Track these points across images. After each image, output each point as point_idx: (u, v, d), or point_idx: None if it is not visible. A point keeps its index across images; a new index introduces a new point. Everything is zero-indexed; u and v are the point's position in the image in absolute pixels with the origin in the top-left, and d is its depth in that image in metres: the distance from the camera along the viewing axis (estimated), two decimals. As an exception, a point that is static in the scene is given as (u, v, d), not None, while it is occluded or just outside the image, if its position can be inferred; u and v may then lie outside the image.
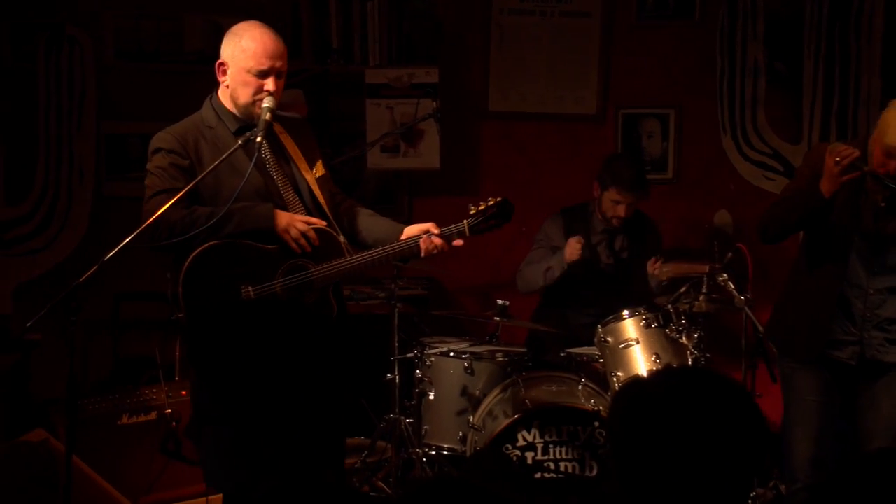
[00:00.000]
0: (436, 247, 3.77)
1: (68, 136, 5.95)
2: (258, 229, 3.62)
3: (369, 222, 3.94)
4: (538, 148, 6.23)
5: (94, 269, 3.51)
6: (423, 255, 3.77)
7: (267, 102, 3.66)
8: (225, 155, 3.62)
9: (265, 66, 3.67)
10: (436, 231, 3.78)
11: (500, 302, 4.89)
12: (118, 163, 6.02)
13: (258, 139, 3.62)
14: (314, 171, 3.83)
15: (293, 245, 3.64)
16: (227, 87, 3.75)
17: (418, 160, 6.06)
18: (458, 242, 3.81)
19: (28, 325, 3.52)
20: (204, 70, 5.84)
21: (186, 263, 3.56)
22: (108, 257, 3.48)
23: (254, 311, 3.50)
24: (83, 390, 5.41)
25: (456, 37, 6.16)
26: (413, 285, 5.81)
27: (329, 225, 3.74)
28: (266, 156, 3.74)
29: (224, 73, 3.75)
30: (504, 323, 4.98)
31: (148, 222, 3.52)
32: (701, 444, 1.98)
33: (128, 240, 3.47)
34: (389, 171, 6.13)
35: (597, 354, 4.84)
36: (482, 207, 3.82)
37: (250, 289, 3.61)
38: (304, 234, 3.64)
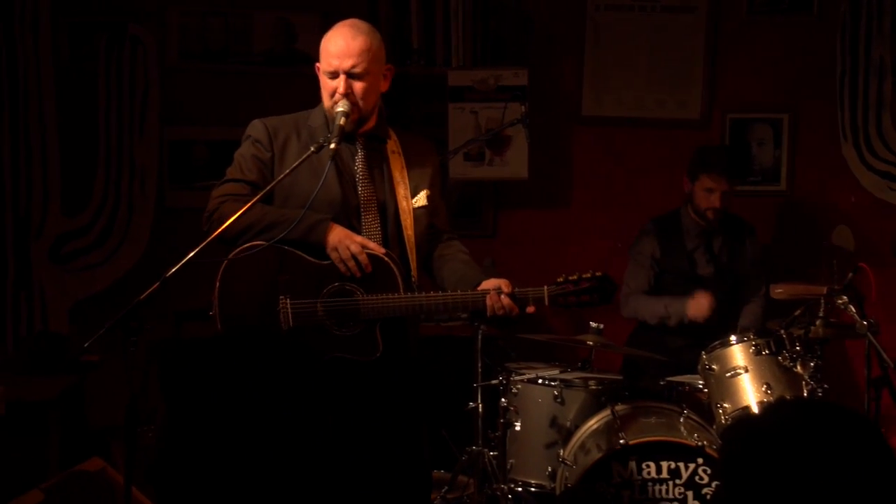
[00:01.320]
0: (503, 307, 3.70)
1: (129, 142, 6.05)
2: (307, 241, 3.66)
3: (454, 268, 3.92)
4: (636, 156, 6.23)
5: (156, 285, 3.52)
6: (488, 313, 3.71)
7: (342, 106, 3.70)
8: (300, 160, 3.66)
9: (332, 66, 3.72)
10: (507, 289, 3.71)
11: (593, 324, 4.87)
12: (182, 171, 6.15)
13: (332, 146, 3.65)
14: (414, 201, 3.85)
15: (340, 266, 3.65)
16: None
17: (505, 169, 6.10)
18: (531, 309, 3.75)
19: (85, 345, 3.55)
20: (274, 72, 6.05)
21: (228, 259, 3.66)
22: (171, 272, 3.50)
23: (298, 340, 3.60)
24: (143, 417, 5.45)
25: (547, 35, 6.20)
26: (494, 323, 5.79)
27: (399, 257, 3.75)
28: (358, 168, 3.79)
29: (318, 75, 3.84)
30: (598, 348, 4.93)
31: (212, 236, 3.60)
32: (822, 486, 1.92)
33: (192, 254, 3.52)
34: (473, 182, 6.18)
35: (700, 383, 4.78)
36: (574, 278, 3.77)
37: (288, 301, 3.64)
38: (354, 255, 3.64)
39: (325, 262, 3.67)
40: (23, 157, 6.03)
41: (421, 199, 3.87)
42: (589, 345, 4.90)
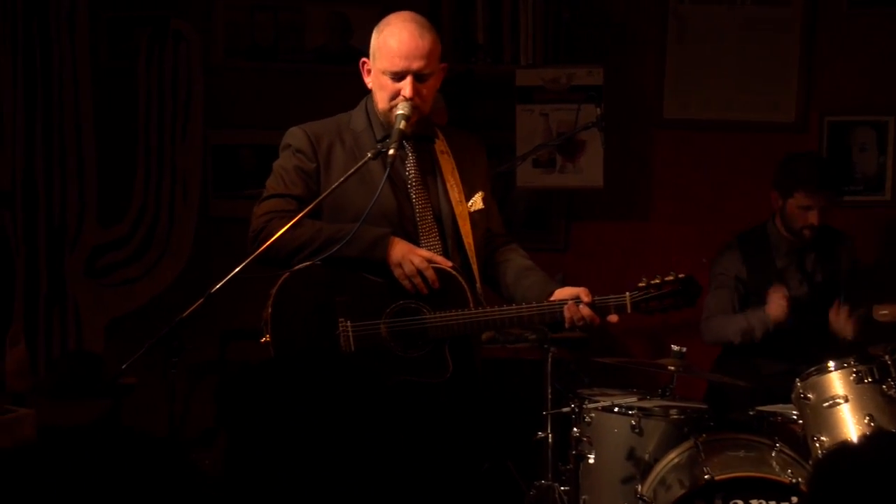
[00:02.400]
0: (583, 318, 3.73)
1: (171, 146, 6.10)
2: (369, 258, 3.68)
3: (519, 275, 3.94)
4: (723, 163, 6.21)
5: (199, 301, 3.56)
6: (566, 325, 3.75)
7: (402, 109, 3.70)
8: (354, 168, 3.69)
9: (398, 66, 3.71)
10: (587, 299, 3.74)
11: (675, 347, 4.82)
12: (228, 178, 6.20)
13: (390, 151, 3.66)
14: (470, 204, 3.87)
15: (405, 282, 3.67)
16: (371, 88, 3.83)
17: (578, 177, 6.08)
18: (613, 318, 3.78)
19: (123, 367, 3.59)
20: (328, 70, 6.05)
21: (280, 280, 3.66)
22: (216, 288, 3.53)
23: (359, 363, 3.60)
24: (185, 444, 5.50)
25: (625, 30, 6.18)
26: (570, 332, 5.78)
27: (461, 268, 3.76)
28: (409, 174, 3.81)
29: (368, 72, 3.83)
30: (680, 373, 4.90)
31: (258, 252, 3.63)
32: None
33: (239, 268, 3.53)
34: (542, 191, 6.16)
35: (794, 414, 4.73)
36: (656, 282, 3.80)
37: (349, 324, 3.67)
38: (420, 271, 3.65)
39: (387, 280, 3.70)
40: (57, 163, 6.11)
41: (477, 201, 3.89)
42: (670, 370, 4.86)
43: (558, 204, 6.25)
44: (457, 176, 3.85)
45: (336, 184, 3.66)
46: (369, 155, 3.67)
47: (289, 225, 3.60)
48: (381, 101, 3.77)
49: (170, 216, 6.13)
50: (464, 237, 3.81)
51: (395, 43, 3.72)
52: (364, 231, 3.65)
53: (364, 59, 3.83)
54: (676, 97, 6.18)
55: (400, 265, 3.66)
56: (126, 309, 6.12)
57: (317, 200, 3.68)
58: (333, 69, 6.09)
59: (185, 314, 3.55)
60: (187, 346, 3.68)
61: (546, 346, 5.04)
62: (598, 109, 5.48)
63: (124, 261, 6.15)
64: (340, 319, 3.67)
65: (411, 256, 3.66)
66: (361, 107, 3.88)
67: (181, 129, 6.12)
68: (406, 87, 3.71)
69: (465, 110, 6.07)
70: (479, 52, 6.11)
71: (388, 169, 3.67)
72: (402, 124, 3.69)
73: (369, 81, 3.82)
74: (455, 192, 3.82)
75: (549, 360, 5.01)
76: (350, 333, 3.66)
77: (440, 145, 3.86)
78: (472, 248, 3.82)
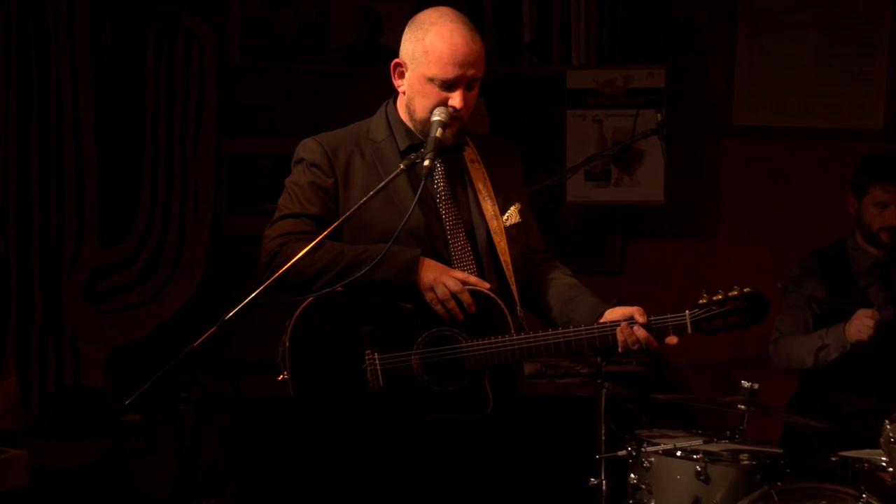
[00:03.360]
0: (637, 341, 3.71)
1: (181, 157, 6.11)
2: (395, 281, 3.66)
3: (564, 295, 3.92)
4: (800, 175, 6.19)
5: (211, 330, 3.50)
6: (620, 349, 3.73)
7: (439, 115, 3.68)
8: (383, 183, 3.64)
9: (451, 74, 3.68)
10: (641, 319, 3.73)
11: (745, 384, 4.78)
12: (244, 191, 6.18)
13: (425, 163, 3.61)
14: (505, 218, 3.85)
15: (438, 308, 3.65)
16: (405, 93, 3.80)
17: (636, 191, 6.05)
18: (671, 340, 3.76)
19: (125, 403, 3.54)
20: (356, 72, 6.00)
21: (299, 311, 3.65)
22: (229, 315, 3.48)
23: (382, 401, 3.58)
24: (195, 488, 5.48)
25: (690, 26, 6.18)
26: (626, 359, 5.75)
27: (500, 289, 3.75)
28: (438, 187, 3.79)
29: (401, 75, 3.79)
30: (752, 413, 4.85)
31: (278, 273, 3.59)
32: None
33: (256, 293, 3.50)
34: (596, 206, 6.13)
35: (884, 460, 4.63)
36: (719, 298, 3.77)
37: (376, 356, 3.64)
38: (455, 295, 3.64)
39: (418, 306, 3.68)
40: (54, 175, 6.14)
41: (512, 214, 3.87)
42: (740, 409, 4.81)
43: (613, 221, 6.23)
44: (489, 187, 3.83)
45: (361, 201, 3.62)
46: (402, 166, 3.64)
47: (309, 247, 3.57)
48: (420, 109, 3.74)
49: (179, 234, 6.15)
50: (500, 255, 3.78)
51: (446, 47, 3.68)
52: (394, 252, 3.63)
53: (397, 60, 3.78)
54: (747, 101, 6.17)
55: (432, 289, 3.64)
56: (129, 338, 6.13)
57: (340, 219, 3.65)
58: (362, 70, 6.09)
59: (195, 344, 3.48)
60: (198, 379, 3.60)
61: (599, 380, 4.95)
62: (659, 115, 5.43)
63: (128, 284, 6.18)
64: (367, 351, 3.65)
65: (444, 279, 3.64)
66: (381, 113, 3.86)
67: (192, 138, 6.16)
68: (457, 97, 3.69)
69: (509, 116, 6.07)
70: (525, 52, 6.08)
71: (423, 182, 3.62)
72: (438, 132, 3.66)
73: (402, 85, 3.79)
74: (489, 206, 3.81)
75: (603, 396, 4.87)
76: (378, 367, 3.63)
77: (469, 153, 3.84)
78: (510, 266, 3.79)
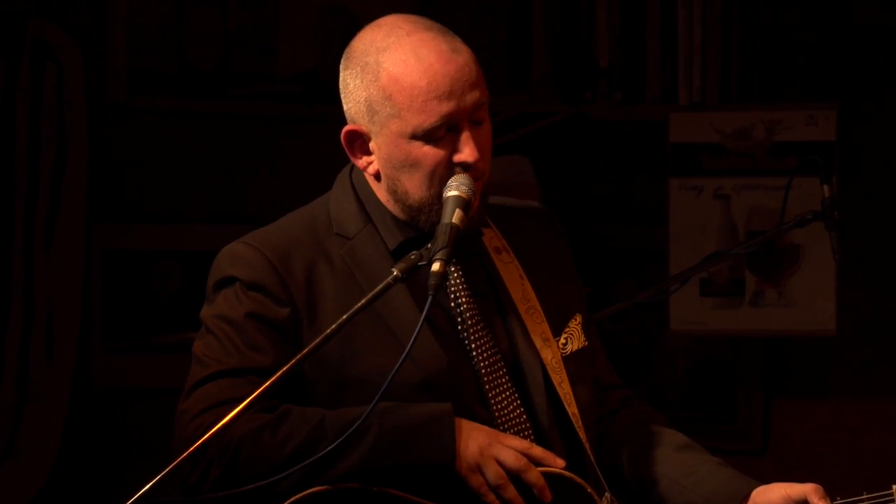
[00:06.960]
0: None
1: (24, 258, 5.30)
2: (417, 463, 3.03)
3: (675, 462, 3.32)
4: None
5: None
6: None
7: (459, 189, 3.09)
8: (364, 300, 2.97)
9: (442, 113, 3.09)
10: (823, 501, 3.16)
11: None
12: (130, 315, 5.41)
13: (435, 266, 2.92)
14: (563, 341, 3.27)
15: (487, 497, 3.04)
16: (378, 175, 3.22)
17: (788, 315, 5.32)
18: None
19: None
20: (319, 113, 5.25)
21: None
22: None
23: None
24: None
25: (881, 48, 5.44)
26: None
27: (572, 462, 3.16)
28: (459, 300, 3.18)
29: (362, 148, 3.19)
30: None
31: (193, 448, 2.86)
32: None
33: (158, 478, 2.82)
34: (720, 338, 5.48)
35: None
36: None
37: None
38: (520, 473, 3.04)
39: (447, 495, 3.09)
40: None
41: (574, 332, 3.33)
42: None
43: (750, 366, 5.57)
44: (530, 290, 3.27)
45: (325, 333, 2.90)
46: (395, 272, 2.96)
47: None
48: (415, 188, 3.18)
49: (18, 390, 5.24)
50: (566, 406, 3.22)
51: (418, 76, 3.10)
52: (408, 417, 3.03)
53: (348, 128, 3.17)
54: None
55: (480, 468, 3.04)
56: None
57: (289, 364, 2.95)
58: (327, 110, 5.22)
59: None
60: None
61: None
62: (827, 187, 4.35)
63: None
64: None
65: (496, 450, 3.05)
66: (347, 193, 3.29)
67: (43, 226, 5.29)
68: (467, 144, 3.12)
69: (572, 183, 5.43)
70: (600, 82, 5.45)
71: (430, 297, 2.92)
72: (457, 216, 3.03)
73: (372, 163, 3.19)
74: (536, 323, 3.26)
75: None
76: None
77: (492, 237, 3.29)
78: (580, 420, 3.23)
